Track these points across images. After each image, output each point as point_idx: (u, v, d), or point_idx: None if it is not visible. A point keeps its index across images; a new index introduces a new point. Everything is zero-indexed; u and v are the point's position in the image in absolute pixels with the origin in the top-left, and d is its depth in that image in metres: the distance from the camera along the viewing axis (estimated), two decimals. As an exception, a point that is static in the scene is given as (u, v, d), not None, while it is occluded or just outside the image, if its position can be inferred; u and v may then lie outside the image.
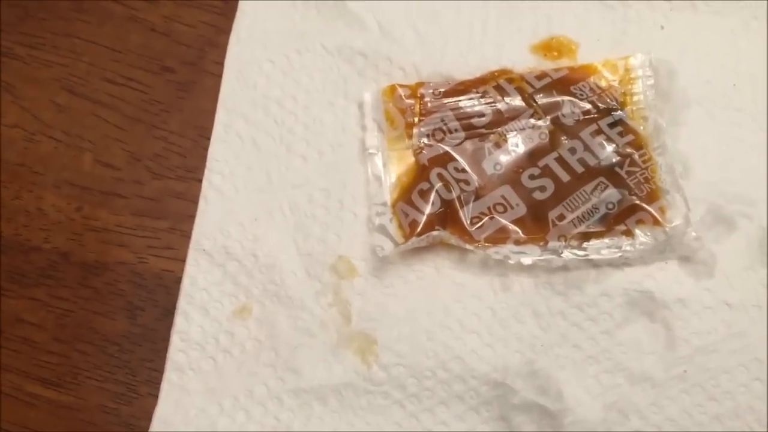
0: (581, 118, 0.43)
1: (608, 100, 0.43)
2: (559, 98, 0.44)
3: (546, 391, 0.40)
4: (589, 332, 0.41)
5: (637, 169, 0.42)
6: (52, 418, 0.42)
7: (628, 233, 0.41)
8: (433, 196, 0.42)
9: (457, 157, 0.43)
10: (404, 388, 0.40)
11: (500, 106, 0.44)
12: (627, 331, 0.41)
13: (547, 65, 0.45)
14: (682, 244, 0.41)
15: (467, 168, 0.43)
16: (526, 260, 0.41)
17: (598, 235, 0.41)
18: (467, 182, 0.42)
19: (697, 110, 0.44)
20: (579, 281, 0.41)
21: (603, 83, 0.44)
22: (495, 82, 0.44)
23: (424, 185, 0.42)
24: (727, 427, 0.39)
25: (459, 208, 0.42)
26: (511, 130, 0.43)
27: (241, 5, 0.48)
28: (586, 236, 0.41)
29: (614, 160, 0.42)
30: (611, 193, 0.41)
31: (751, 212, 0.42)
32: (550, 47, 0.46)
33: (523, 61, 0.45)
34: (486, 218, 0.42)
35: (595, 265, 0.41)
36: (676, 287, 0.41)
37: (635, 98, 0.43)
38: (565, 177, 0.42)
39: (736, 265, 0.41)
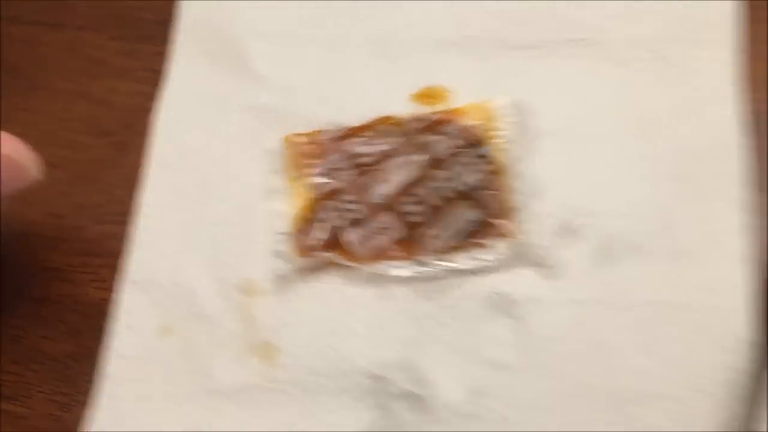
0: (452, 152, 0.51)
1: (475, 137, 0.51)
2: (433, 137, 0.51)
3: (419, 381, 0.46)
4: (455, 331, 0.47)
5: (496, 193, 0.49)
6: (10, 427, 0.49)
7: (489, 246, 0.48)
8: (325, 224, 0.49)
9: (348, 191, 0.51)
10: (301, 385, 0.47)
11: (384, 146, 0.51)
12: (488, 328, 0.47)
13: (424, 110, 0.53)
14: (533, 253, 0.48)
15: (355, 199, 0.50)
16: (404, 273, 0.48)
17: (463, 248, 0.48)
18: (355, 211, 0.50)
19: (551, 141, 0.51)
20: (447, 288, 0.48)
21: (471, 123, 0.51)
22: (381, 126, 0.52)
23: (319, 216, 0.50)
24: (573, 403, 0.45)
25: (347, 233, 0.49)
26: (394, 166, 0.51)
27: (169, 74, 0.56)
28: (453, 250, 0.48)
29: (478, 186, 0.49)
30: (473, 214, 0.49)
31: (595, 222, 0.48)
32: (427, 95, 0.54)
33: (405, 108, 0.53)
34: (369, 240, 0.49)
35: (460, 274, 0.48)
36: (529, 289, 0.48)
37: (498, 134, 0.51)
38: (437, 202, 0.49)
39: (582, 267, 0.48)
